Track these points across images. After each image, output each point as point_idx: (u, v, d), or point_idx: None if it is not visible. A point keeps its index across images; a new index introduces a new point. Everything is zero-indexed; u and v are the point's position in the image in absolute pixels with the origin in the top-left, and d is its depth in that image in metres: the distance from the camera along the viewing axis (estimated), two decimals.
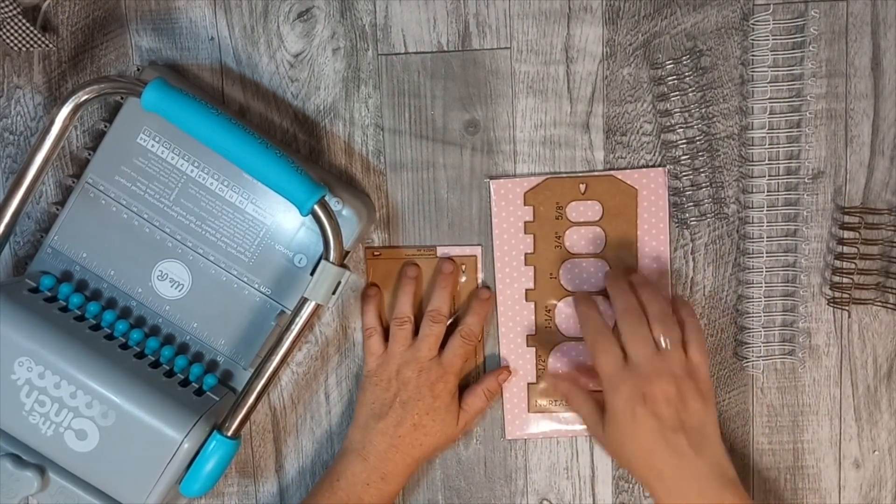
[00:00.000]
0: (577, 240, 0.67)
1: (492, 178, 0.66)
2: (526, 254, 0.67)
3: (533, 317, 0.68)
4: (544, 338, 0.68)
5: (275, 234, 0.62)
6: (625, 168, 0.66)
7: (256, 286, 0.63)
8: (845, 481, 0.69)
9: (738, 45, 0.65)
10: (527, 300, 0.67)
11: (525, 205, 0.66)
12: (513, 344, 0.68)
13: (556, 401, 0.68)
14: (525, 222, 0.67)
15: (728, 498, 0.57)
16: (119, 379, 0.58)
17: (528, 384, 0.68)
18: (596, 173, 0.66)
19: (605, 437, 0.60)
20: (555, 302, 0.68)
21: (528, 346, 0.68)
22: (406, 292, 0.66)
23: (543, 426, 0.68)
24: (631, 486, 0.69)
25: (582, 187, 0.66)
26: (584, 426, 0.66)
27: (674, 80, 0.65)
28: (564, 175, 0.66)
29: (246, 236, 0.63)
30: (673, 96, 0.65)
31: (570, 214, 0.67)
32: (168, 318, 0.63)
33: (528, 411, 0.68)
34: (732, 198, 0.67)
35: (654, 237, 0.67)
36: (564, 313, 0.68)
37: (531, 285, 0.67)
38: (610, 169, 0.66)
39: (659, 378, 0.57)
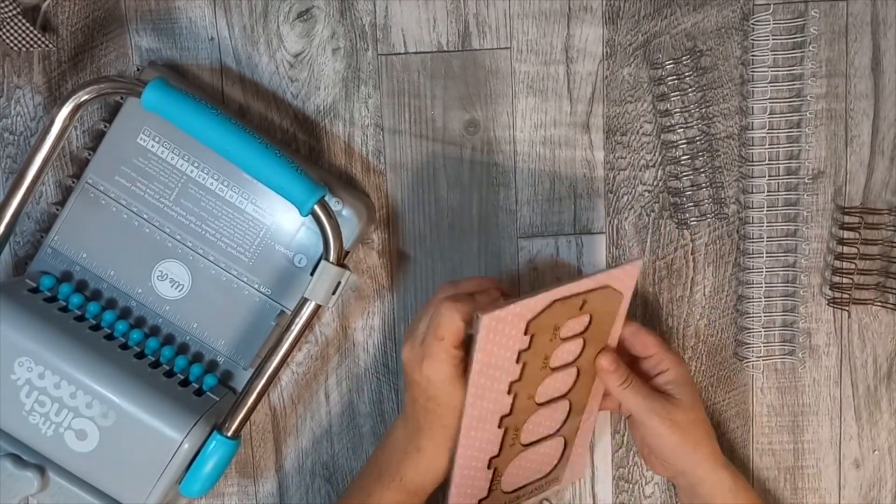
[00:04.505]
0: (559, 354, 0.58)
1: (484, 312, 0.52)
2: (511, 382, 0.57)
3: (499, 440, 0.59)
4: (506, 456, 0.61)
5: (275, 234, 0.62)
6: (611, 267, 0.63)
7: (256, 286, 0.63)
8: (845, 481, 0.69)
9: (738, 45, 0.65)
10: (499, 426, 0.59)
11: (525, 334, 0.55)
12: (469, 467, 0.59)
13: None
14: (520, 351, 0.56)
15: None
16: (119, 379, 0.58)
17: (480, 500, 0.62)
18: (594, 288, 0.56)
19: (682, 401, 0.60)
20: (525, 419, 0.60)
21: (488, 468, 0.60)
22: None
23: None
24: (630, 486, 0.69)
25: (579, 302, 0.56)
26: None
27: (674, 80, 0.65)
28: (570, 296, 0.56)
29: (246, 236, 0.63)
30: (673, 96, 0.65)
31: (563, 332, 0.57)
32: (168, 318, 0.63)
33: None
34: (732, 198, 0.67)
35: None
36: (533, 423, 0.60)
37: (507, 411, 0.58)
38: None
39: None
